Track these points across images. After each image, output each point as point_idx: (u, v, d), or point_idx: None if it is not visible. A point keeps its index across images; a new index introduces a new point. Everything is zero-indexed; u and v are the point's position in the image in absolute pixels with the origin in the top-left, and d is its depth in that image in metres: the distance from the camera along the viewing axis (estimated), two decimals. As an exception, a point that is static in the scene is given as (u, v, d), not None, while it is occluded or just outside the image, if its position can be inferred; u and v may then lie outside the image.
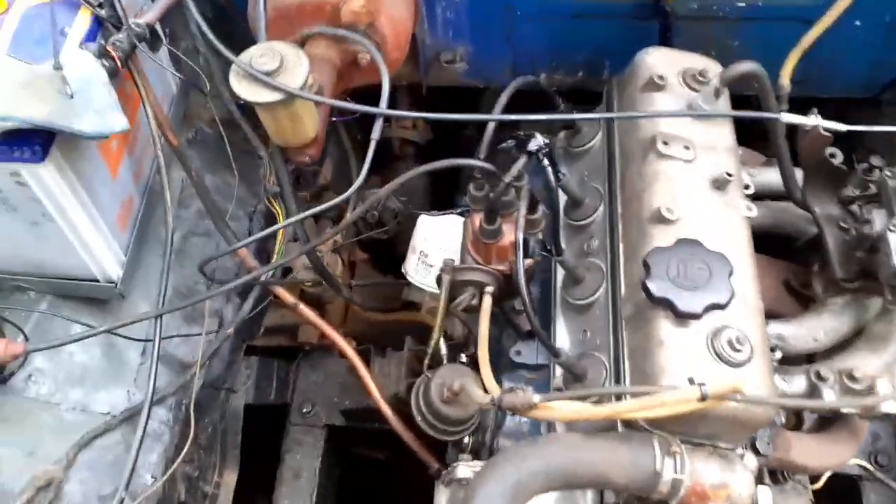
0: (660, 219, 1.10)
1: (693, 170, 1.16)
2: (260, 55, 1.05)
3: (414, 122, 1.88)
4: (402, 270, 1.55)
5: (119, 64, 1.09)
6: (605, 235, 1.24)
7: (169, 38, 1.41)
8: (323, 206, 1.12)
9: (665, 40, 1.45)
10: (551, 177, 1.08)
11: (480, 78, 1.65)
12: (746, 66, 1.15)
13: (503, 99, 1.23)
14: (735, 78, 1.17)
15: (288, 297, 1.38)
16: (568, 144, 1.41)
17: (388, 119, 1.89)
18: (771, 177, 1.37)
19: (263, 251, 1.60)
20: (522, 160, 1.09)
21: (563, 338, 1.23)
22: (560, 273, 1.28)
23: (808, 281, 1.30)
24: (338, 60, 1.30)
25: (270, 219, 1.58)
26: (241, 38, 1.23)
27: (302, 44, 1.29)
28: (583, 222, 1.29)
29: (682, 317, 1.00)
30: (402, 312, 1.62)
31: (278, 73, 1.05)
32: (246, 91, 1.04)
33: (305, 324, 1.58)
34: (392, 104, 1.94)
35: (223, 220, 1.32)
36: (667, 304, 1.01)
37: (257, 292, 1.42)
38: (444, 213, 1.40)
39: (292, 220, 1.13)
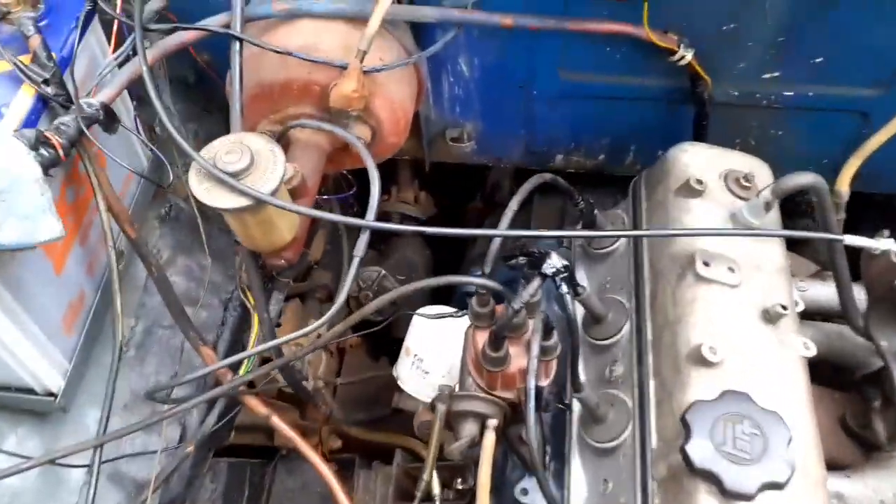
0: (700, 360, 0.91)
1: (739, 297, 0.98)
2: (227, 151, 0.88)
3: (416, 196, 1.71)
4: (394, 374, 1.36)
5: (61, 153, 0.92)
6: (632, 362, 1.05)
7: (137, 104, 1.26)
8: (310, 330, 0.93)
9: (699, 127, 1.28)
10: (570, 307, 0.89)
11: (489, 157, 1.49)
12: (805, 179, 0.97)
13: (514, 204, 1.05)
14: (790, 191, 0.99)
15: (259, 408, 1.19)
16: (587, 244, 1.23)
17: (387, 191, 1.73)
18: (824, 293, 1.19)
19: (238, 342, 1.42)
20: (536, 283, 0.91)
21: (578, 485, 1.04)
22: (576, 405, 1.09)
23: (868, 421, 1.10)
24: (326, 145, 1.13)
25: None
26: (222, 100, 1.07)
27: (284, 124, 1.13)
28: (605, 342, 1.10)
29: (730, 497, 0.81)
30: (389, 433, 1.43)
31: (247, 173, 0.88)
32: (206, 194, 0.86)
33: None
34: (392, 177, 1.79)
35: (187, 322, 1.13)
36: (712, 479, 0.81)
37: (224, 402, 1.23)
38: (441, 315, 1.21)
39: (255, 351, 0.94)
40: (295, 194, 1.04)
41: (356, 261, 0.87)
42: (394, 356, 1.67)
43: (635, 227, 1.16)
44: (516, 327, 0.99)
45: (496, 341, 0.96)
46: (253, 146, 0.90)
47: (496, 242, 1.01)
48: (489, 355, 0.98)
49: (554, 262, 0.90)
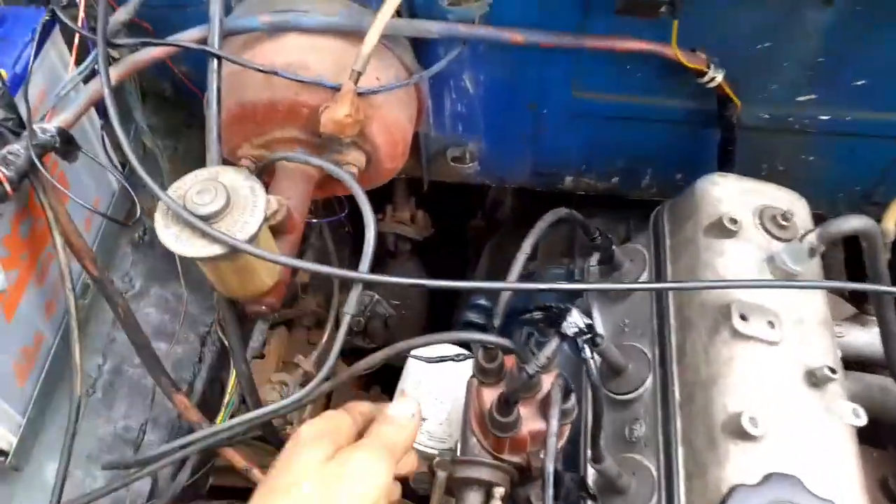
0: (740, 432, 0.80)
1: (781, 357, 0.86)
2: (198, 191, 0.75)
3: (412, 216, 1.59)
4: (388, 418, 1.24)
5: (8, 188, 0.80)
6: (656, 422, 0.94)
7: (105, 123, 1.13)
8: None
9: (726, 153, 1.17)
10: (594, 374, 0.78)
11: (493, 178, 1.37)
12: (856, 223, 0.86)
13: (526, 247, 0.93)
14: (838, 236, 0.88)
15: (237, 462, 1.08)
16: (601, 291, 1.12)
17: (382, 210, 1.61)
18: (863, 339, 1.09)
19: (216, 381, 1.30)
20: (553, 345, 0.80)
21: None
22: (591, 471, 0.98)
23: (913, 486, 1.00)
24: (316, 172, 1.01)
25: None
26: (203, 114, 0.95)
27: (269, 149, 1.01)
28: (624, 396, 0.99)
29: None
30: None
31: (221, 216, 0.76)
32: (174, 241, 0.74)
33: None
34: (387, 196, 1.66)
35: (158, 367, 1.01)
36: (758, 583, 0.71)
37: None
38: (441, 359, 1.09)
39: (234, 423, 0.82)
40: (280, 230, 0.92)
41: (346, 319, 0.75)
42: (387, 385, 1.55)
43: (658, 266, 1.04)
44: (529, 388, 0.88)
45: (506, 406, 0.85)
46: (229, 184, 0.78)
47: (505, 295, 0.90)
48: (498, 420, 0.86)
49: (575, 321, 0.78)
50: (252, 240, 0.75)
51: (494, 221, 1.73)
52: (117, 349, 1.20)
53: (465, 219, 1.77)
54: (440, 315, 1.63)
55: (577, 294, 1.13)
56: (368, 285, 1.65)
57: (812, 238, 0.88)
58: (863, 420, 0.85)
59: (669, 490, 0.87)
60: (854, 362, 1.07)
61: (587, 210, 1.43)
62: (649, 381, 0.98)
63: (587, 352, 0.78)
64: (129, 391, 1.19)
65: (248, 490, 1.42)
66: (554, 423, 0.78)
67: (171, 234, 0.75)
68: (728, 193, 0.99)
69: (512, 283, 0.87)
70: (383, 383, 1.62)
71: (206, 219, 0.75)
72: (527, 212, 1.65)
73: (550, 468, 0.76)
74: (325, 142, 0.97)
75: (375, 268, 1.67)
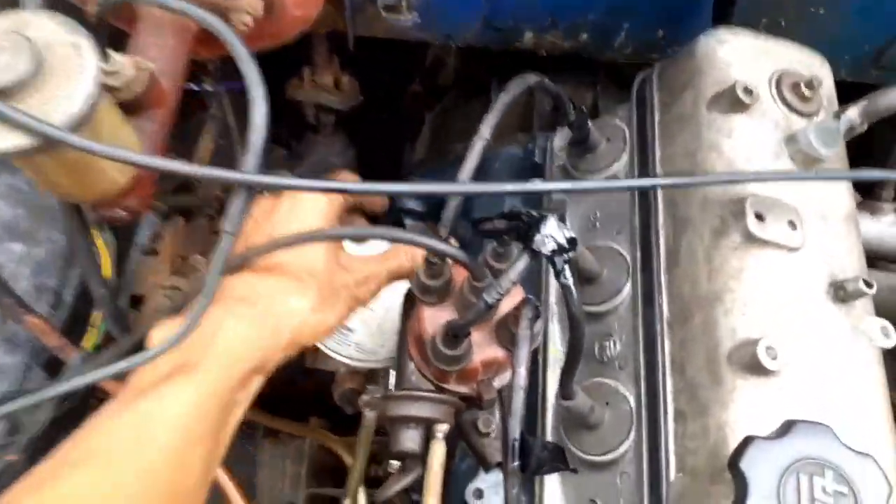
0: (752, 366, 0.63)
1: (803, 267, 0.68)
2: (-13, 44, 0.48)
3: (336, 80, 1.31)
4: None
5: None
6: (636, 342, 0.76)
7: None
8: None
9: (723, 3, 0.93)
10: (576, 302, 0.58)
11: (436, 32, 1.10)
12: (913, 94, 0.66)
13: (488, 125, 0.70)
14: (887, 113, 0.67)
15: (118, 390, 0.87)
16: (573, 165, 0.90)
17: (299, 74, 1.32)
18: (874, 230, 0.92)
19: (88, 295, 1.05)
20: (521, 264, 0.59)
21: (555, 502, 0.78)
22: (553, 387, 0.81)
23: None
24: (192, 22, 0.73)
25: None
26: None
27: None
28: (595, 308, 0.81)
29: (806, 587, 0.55)
30: (299, 425, 1.11)
31: (29, 88, 0.49)
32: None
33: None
34: (304, 55, 1.37)
35: (1, 287, 0.77)
36: (779, 561, 0.56)
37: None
38: (370, 242, 0.87)
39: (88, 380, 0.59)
40: (142, 103, 0.65)
41: (225, 239, 0.52)
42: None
43: (643, 147, 0.83)
44: (485, 317, 0.68)
45: (454, 339, 0.65)
46: (40, 38, 0.51)
47: (455, 200, 0.67)
48: (443, 353, 0.67)
49: (552, 234, 0.57)
50: (78, 123, 0.50)
51: (436, 87, 1.47)
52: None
53: (400, 84, 1.49)
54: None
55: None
56: (286, 164, 1.41)
57: (853, 115, 0.68)
58: (893, 340, 0.69)
59: (653, 428, 0.71)
60: (872, 257, 0.92)
61: (547, 75, 1.21)
62: (627, 290, 0.79)
63: (567, 275, 0.57)
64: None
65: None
66: (522, 371, 0.59)
67: (-51, 113, 0.49)
68: (739, 54, 0.77)
69: (466, 183, 0.65)
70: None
71: (2, 92, 0.49)
72: (475, 75, 1.40)
73: (516, 432, 0.58)
74: (201, -24, 0.68)
75: (293, 140, 1.42)
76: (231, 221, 0.51)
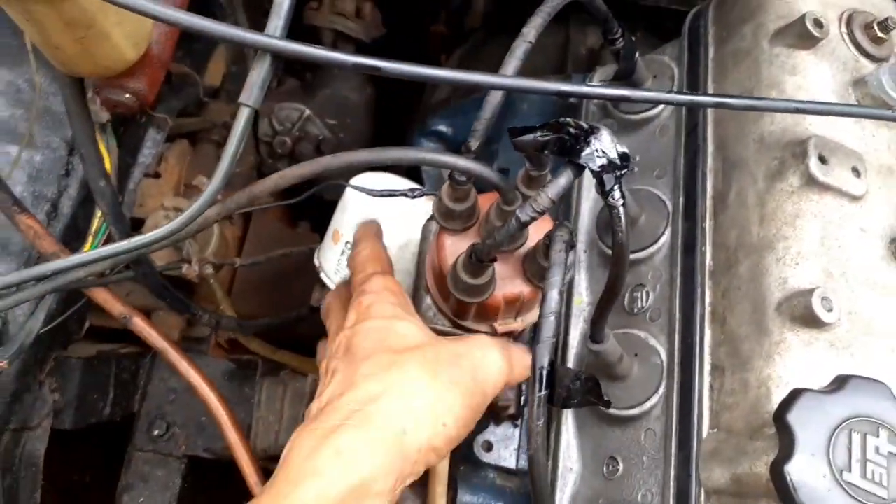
0: (805, 317, 0.58)
1: (864, 218, 0.63)
2: None
3: (358, 8, 1.24)
4: (315, 262, 0.98)
5: None
6: (671, 292, 0.71)
7: None
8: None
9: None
10: (622, 226, 0.52)
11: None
12: None
13: (530, 35, 0.63)
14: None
15: (113, 306, 0.81)
16: (612, 103, 0.84)
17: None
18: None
19: (92, 202, 0.99)
20: (564, 181, 0.53)
21: (570, 457, 0.73)
22: (578, 342, 0.76)
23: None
24: None
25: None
26: None
27: None
28: (632, 256, 0.75)
29: (851, 556, 0.51)
30: (302, 358, 1.06)
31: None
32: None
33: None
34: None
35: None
36: (825, 525, 0.51)
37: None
38: (390, 193, 0.82)
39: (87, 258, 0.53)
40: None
41: (245, 112, 0.46)
42: (318, 221, 1.28)
43: (693, 85, 0.77)
44: (514, 241, 0.62)
45: (478, 265, 0.60)
46: None
47: (495, 97, 0.61)
48: (464, 281, 0.61)
49: (604, 147, 0.51)
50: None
51: (461, 29, 1.40)
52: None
53: (424, 22, 1.42)
54: (387, 140, 1.33)
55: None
56: (298, 97, 1.33)
57: (936, 53, 0.62)
58: (952, 306, 0.64)
59: (687, 382, 0.66)
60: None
61: (582, 16, 1.14)
62: (665, 238, 0.74)
63: (616, 195, 0.52)
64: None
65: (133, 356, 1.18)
66: (555, 294, 0.53)
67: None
68: (811, -13, 0.71)
69: (507, 77, 0.58)
70: (313, 219, 1.34)
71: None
72: (503, 19, 1.33)
73: (545, 360, 0.52)
74: None
75: (307, 73, 1.35)
76: (250, 92, 0.45)
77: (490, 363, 0.59)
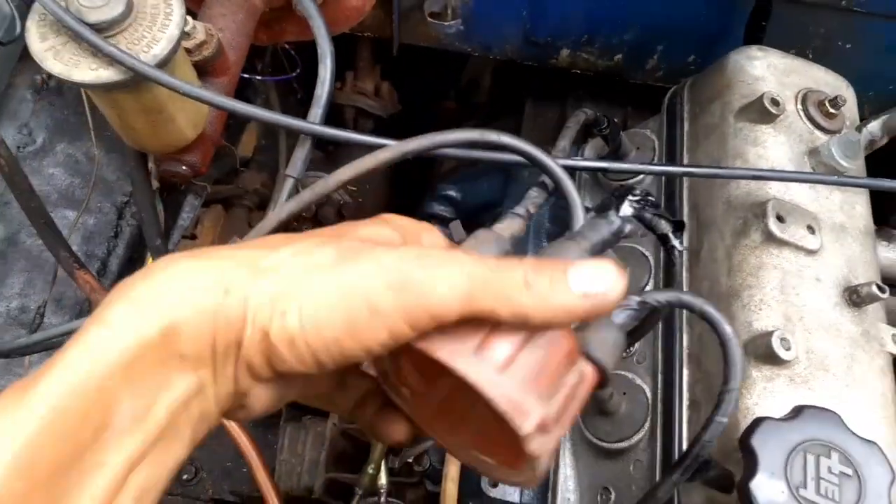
0: (767, 355, 0.66)
1: (819, 270, 0.72)
2: (89, -11, 0.54)
3: (377, 88, 1.37)
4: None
5: None
6: (655, 337, 0.79)
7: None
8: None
9: (755, 28, 0.98)
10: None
11: (477, 43, 1.15)
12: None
13: (564, 143, 0.74)
14: (908, 127, 0.71)
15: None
16: (601, 173, 0.95)
17: (340, 78, 1.38)
18: (886, 256, 0.94)
19: (137, 261, 1.10)
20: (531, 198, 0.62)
21: (567, 490, 0.80)
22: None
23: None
24: (259, 1, 0.79)
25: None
26: None
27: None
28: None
29: (807, 563, 0.57)
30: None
31: (121, 28, 0.55)
32: (52, 57, 0.53)
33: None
34: (348, 60, 1.44)
35: (56, 238, 0.81)
36: (785, 537, 0.58)
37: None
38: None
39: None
40: (209, 69, 0.71)
41: (289, 182, 0.56)
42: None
43: (671, 156, 0.87)
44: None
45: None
46: (134, -14, 0.56)
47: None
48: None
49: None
50: (163, 64, 0.55)
51: (469, 104, 1.53)
52: (13, 214, 1.00)
53: (436, 100, 1.55)
54: (403, 205, 1.44)
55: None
56: (322, 166, 1.46)
57: (875, 128, 0.72)
58: (902, 348, 0.72)
59: (668, 417, 0.73)
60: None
61: (579, 93, 1.26)
62: (649, 288, 0.83)
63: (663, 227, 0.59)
64: (26, 265, 1.00)
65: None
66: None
67: (49, 49, 0.54)
68: (768, 71, 0.82)
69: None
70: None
71: (98, 29, 0.54)
72: (508, 96, 1.45)
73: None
74: (272, -41, 0.75)
75: (330, 145, 1.48)
76: (294, 167, 0.56)
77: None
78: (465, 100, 1.54)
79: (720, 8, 1.01)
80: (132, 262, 1.07)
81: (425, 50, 1.18)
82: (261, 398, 0.41)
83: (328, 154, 1.44)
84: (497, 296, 0.38)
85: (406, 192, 1.46)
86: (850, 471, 0.59)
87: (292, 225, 1.42)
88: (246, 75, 1.16)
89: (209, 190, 1.09)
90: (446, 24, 1.08)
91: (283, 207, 0.60)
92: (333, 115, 1.38)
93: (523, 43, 1.13)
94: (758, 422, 0.61)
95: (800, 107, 0.80)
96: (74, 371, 0.34)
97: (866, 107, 1.15)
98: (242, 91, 1.20)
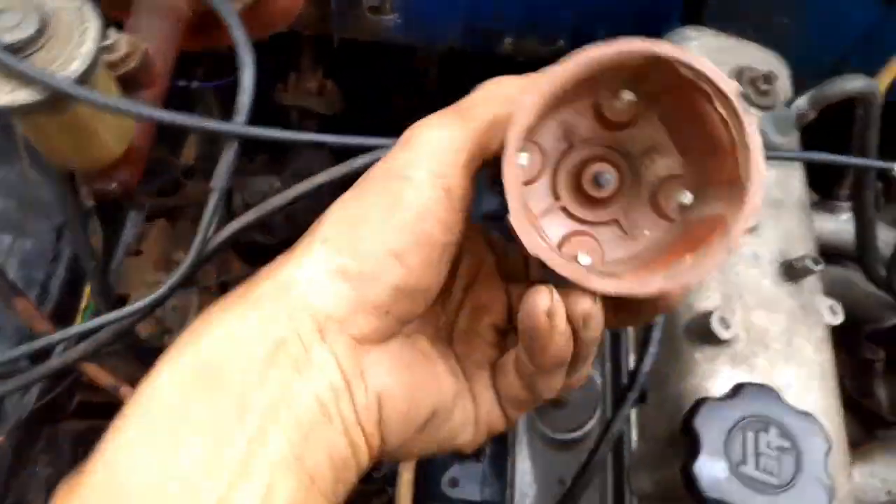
0: (707, 335, 0.67)
1: (756, 247, 0.73)
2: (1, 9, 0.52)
3: (320, 87, 1.35)
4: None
5: None
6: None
7: None
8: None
9: (693, 7, 0.99)
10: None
11: (418, 35, 1.15)
12: (858, 84, 0.71)
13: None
14: (834, 99, 0.73)
15: (101, 378, 0.89)
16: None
17: (283, 79, 1.37)
18: (829, 227, 0.97)
19: (79, 282, 1.08)
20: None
21: (524, 483, 0.81)
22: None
23: (868, 387, 0.92)
24: (185, 7, 0.77)
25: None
26: None
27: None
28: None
29: (752, 536, 0.59)
30: None
31: (35, 47, 0.53)
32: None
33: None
34: (289, 60, 1.42)
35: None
36: (728, 513, 0.59)
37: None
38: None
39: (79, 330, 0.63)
40: (135, 82, 0.69)
41: (214, 195, 0.55)
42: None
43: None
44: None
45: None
46: (45, 2, 0.55)
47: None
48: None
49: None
50: (81, 81, 0.54)
51: (419, 95, 1.52)
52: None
53: (384, 92, 1.54)
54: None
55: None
56: (268, 171, 1.44)
57: (802, 103, 0.73)
58: (840, 318, 0.73)
59: (618, 402, 0.74)
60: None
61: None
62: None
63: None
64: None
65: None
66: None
67: (-41, 72, 0.52)
68: (702, 51, 0.82)
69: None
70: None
71: (12, 50, 0.52)
72: (456, 85, 1.45)
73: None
74: (193, -36, 0.73)
75: (274, 151, 1.46)
76: (220, 176, 0.55)
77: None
78: (414, 93, 1.53)
79: (656, -10, 1.02)
80: (73, 284, 1.05)
81: (370, 44, 1.17)
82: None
83: (273, 160, 1.42)
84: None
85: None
86: (787, 444, 0.60)
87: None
88: (183, 82, 1.14)
89: (150, 204, 1.07)
90: (385, 17, 1.07)
91: (216, 238, 0.58)
92: (279, 118, 1.36)
93: (465, 33, 1.13)
94: (699, 403, 0.62)
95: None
96: None
97: (807, 79, 1.18)
98: (180, 99, 1.18)
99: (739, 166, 0.39)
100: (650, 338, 0.60)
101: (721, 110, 0.40)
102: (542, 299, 0.39)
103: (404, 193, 0.40)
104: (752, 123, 0.39)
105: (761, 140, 0.39)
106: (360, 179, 0.42)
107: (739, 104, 0.39)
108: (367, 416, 0.40)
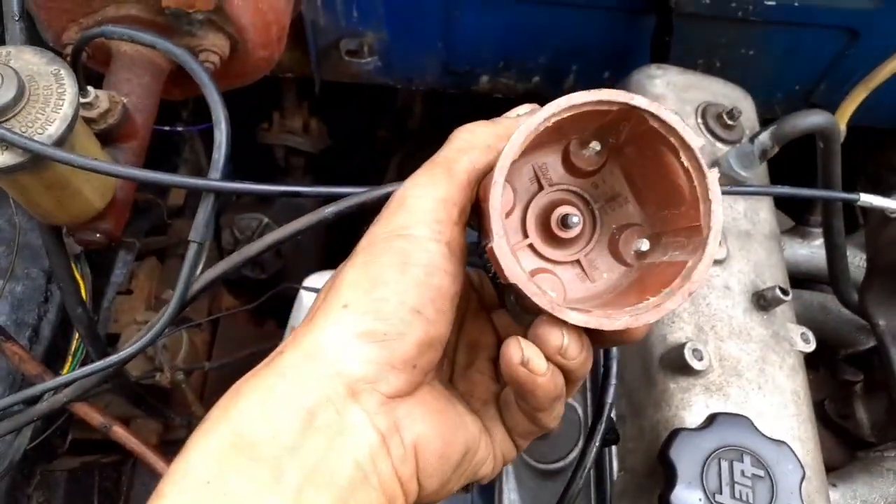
0: (682, 366, 0.69)
1: (727, 279, 0.75)
2: (-23, 76, 0.54)
3: (305, 124, 1.38)
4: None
5: None
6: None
7: None
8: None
9: (661, 45, 1.02)
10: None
11: (396, 77, 1.18)
12: (815, 120, 0.73)
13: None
14: (795, 135, 0.75)
15: (94, 416, 0.90)
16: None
17: (268, 119, 1.39)
18: (802, 253, 0.99)
19: (65, 331, 1.09)
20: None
21: (514, 512, 0.82)
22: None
23: (849, 410, 0.93)
24: (163, 61, 0.79)
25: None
26: None
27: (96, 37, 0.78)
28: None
29: (728, 567, 0.60)
30: None
31: (14, 112, 0.55)
32: (-55, 146, 0.53)
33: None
34: (274, 100, 1.44)
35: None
36: (704, 543, 0.60)
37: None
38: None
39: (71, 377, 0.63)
40: (115, 136, 0.71)
41: (192, 248, 0.57)
42: (284, 318, 1.38)
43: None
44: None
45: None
46: (23, 69, 0.57)
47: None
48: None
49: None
50: (59, 143, 0.55)
51: (403, 132, 1.55)
52: (-63, 288, 0.98)
53: (369, 130, 1.57)
54: (342, 246, 1.45)
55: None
56: (256, 207, 1.46)
57: (765, 138, 0.75)
58: (812, 345, 0.75)
59: (596, 432, 0.75)
60: (791, 278, 0.98)
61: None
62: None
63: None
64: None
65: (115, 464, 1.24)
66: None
67: (-59, 136, 0.54)
68: (668, 88, 0.85)
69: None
70: (279, 317, 1.44)
71: (-11, 115, 0.54)
72: (439, 122, 1.48)
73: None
74: (171, 20, 0.75)
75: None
76: (197, 230, 0.57)
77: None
78: (398, 128, 1.56)
79: (626, 26, 1.05)
80: (64, 327, 1.06)
81: (353, 83, 1.19)
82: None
83: (261, 196, 1.44)
84: None
85: (345, 229, 1.47)
86: (762, 472, 0.61)
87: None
88: (167, 128, 1.16)
89: (139, 245, 1.08)
90: (363, 61, 1.10)
91: (200, 279, 0.60)
92: (264, 158, 1.38)
93: (442, 73, 1.16)
94: (674, 434, 0.64)
95: (700, 120, 0.83)
96: None
97: (777, 108, 1.21)
98: (167, 144, 1.20)
99: (700, 216, 0.41)
100: (609, 369, 0.62)
101: (686, 163, 0.42)
102: (514, 353, 0.42)
103: (412, 252, 0.42)
104: (714, 178, 0.41)
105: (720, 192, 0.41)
106: (363, 242, 0.44)
107: (703, 159, 0.42)
108: (403, 469, 0.42)
